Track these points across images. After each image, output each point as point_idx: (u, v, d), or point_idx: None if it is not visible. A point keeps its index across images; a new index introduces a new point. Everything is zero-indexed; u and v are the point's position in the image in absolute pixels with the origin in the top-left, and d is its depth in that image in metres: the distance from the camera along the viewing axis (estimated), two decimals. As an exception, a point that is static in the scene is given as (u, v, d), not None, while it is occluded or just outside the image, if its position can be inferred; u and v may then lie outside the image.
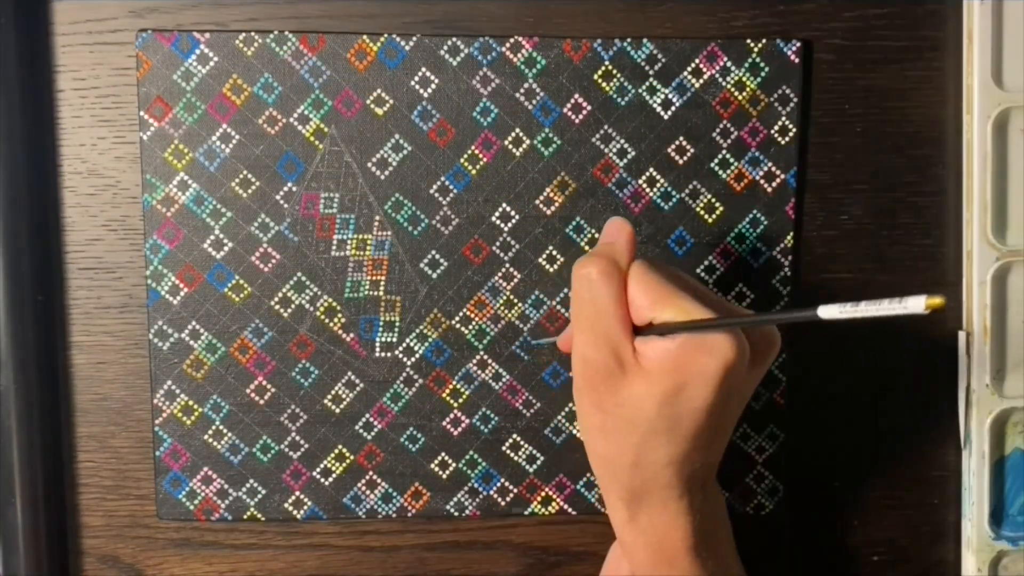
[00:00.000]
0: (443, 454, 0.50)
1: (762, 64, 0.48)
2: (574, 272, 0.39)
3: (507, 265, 0.49)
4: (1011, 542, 0.50)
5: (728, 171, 0.49)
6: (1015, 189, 0.50)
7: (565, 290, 0.49)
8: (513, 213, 0.49)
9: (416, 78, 0.48)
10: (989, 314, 0.49)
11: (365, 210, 0.48)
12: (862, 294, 0.51)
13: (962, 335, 0.50)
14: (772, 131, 0.49)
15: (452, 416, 0.50)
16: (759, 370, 0.40)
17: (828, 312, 0.31)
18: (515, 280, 0.49)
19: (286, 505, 0.50)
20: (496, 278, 0.49)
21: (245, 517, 0.50)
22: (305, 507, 0.50)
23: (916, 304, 0.28)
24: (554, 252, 0.49)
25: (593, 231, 0.49)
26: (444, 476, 0.50)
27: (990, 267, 0.49)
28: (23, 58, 0.46)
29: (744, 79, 0.48)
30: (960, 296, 0.50)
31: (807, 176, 0.50)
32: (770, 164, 0.49)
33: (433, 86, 0.48)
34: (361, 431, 0.49)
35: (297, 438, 0.49)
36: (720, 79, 0.48)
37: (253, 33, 0.47)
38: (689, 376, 0.37)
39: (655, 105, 0.48)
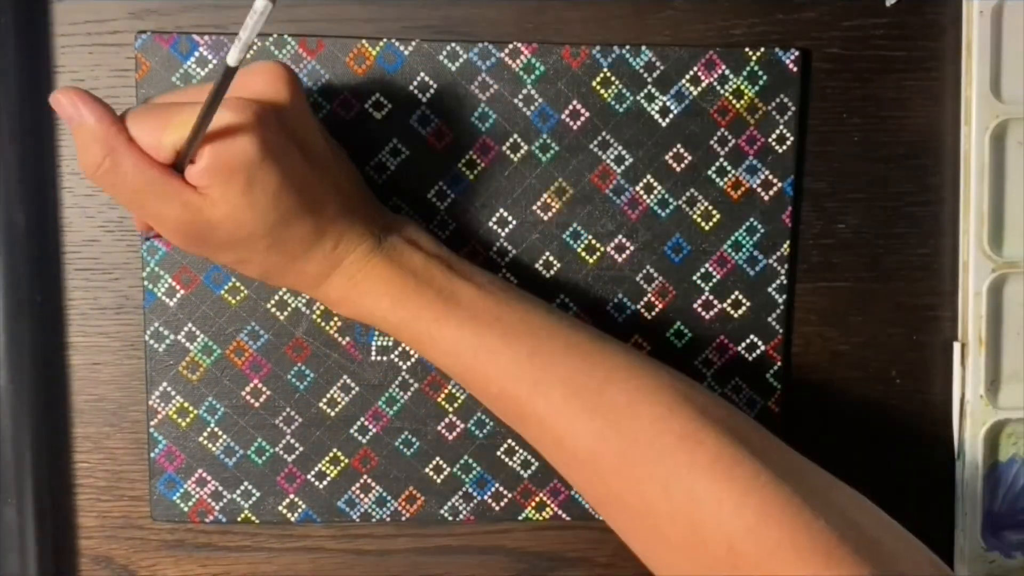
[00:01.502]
0: (437, 458, 0.50)
1: (760, 72, 0.48)
2: (87, 174, 0.38)
3: (504, 270, 0.49)
4: (1004, 553, 0.50)
5: (725, 179, 0.49)
6: (1012, 200, 0.50)
7: (561, 295, 0.49)
8: (510, 218, 0.49)
9: (415, 83, 0.48)
10: (984, 325, 0.49)
11: (362, 214, 0.48)
12: (858, 304, 0.51)
13: (957, 346, 0.50)
14: (770, 139, 0.49)
15: (447, 421, 0.50)
16: (294, 100, 0.40)
17: (233, 56, 0.33)
18: (511, 285, 0.49)
19: (280, 508, 0.50)
20: (492, 283, 0.49)
21: (239, 519, 0.50)
22: (299, 510, 0.50)
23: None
24: (551, 258, 0.49)
25: (590, 237, 0.49)
26: (438, 480, 0.50)
27: (986, 278, 0.49)
28: (23, 58, 0.46)
29: (742, 87, 0.48)
30: (956, 307, 0.50)
31: (804, 185, 0.50)
32: (767, 172, 0.49)
33: (432, 91, 0.48)
34: (356, 435, 0.49)
35: (292, 441, 0.49)
36: (718, 87, 0.48)
37: (252, 36, 0.47)
38: (242, 169, 0.37)
39: (653, 112, 0.48)
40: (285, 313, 0.49)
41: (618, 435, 0.37)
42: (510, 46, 0.48)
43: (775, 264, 0.50)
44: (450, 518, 0.50)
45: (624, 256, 0.49)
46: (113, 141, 0.37)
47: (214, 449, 0.49)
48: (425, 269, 0.42)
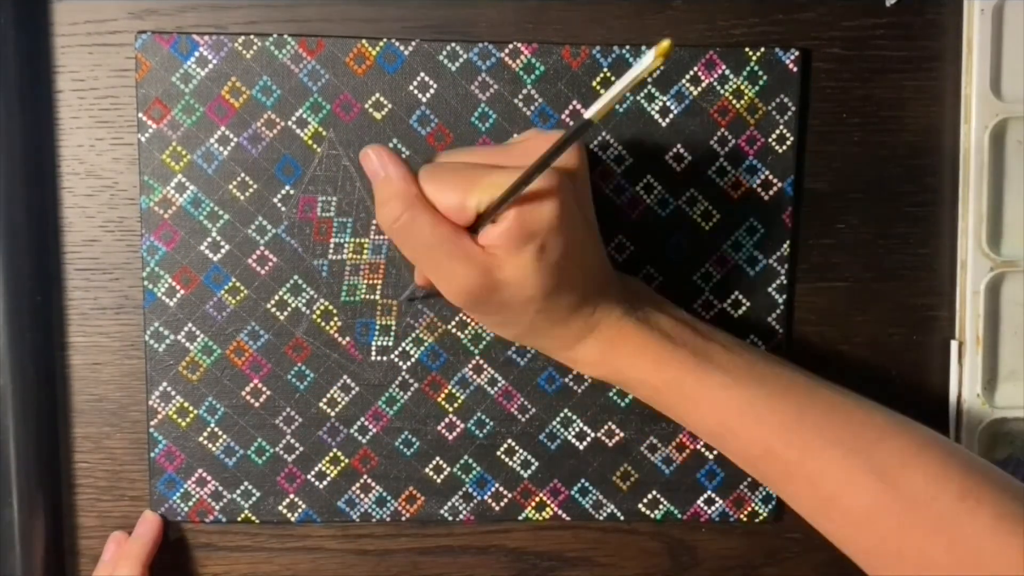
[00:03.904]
0: (438, 458, 0.50)
1: (760, 72, 0.48)
2: (382, 228, 0.40)
3: (504, 270, 0.49)
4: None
5: (725, 179, 0.49)
6: (1011, 199, 0.50)
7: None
8: (510, 218, 0.49)
9: (415, 83, 0.48)
10: (982, 324, 0.49)
11: (362, 214, 0.48)
12: (858, 304, 0.51)
13: (954, 344, 0.50)
14: (770, 139, 0.49)
15: (447, 420, 0.50)
16: (583, 168, 0.41)
17: (592, 110, 0.33)
18: (511, 285, 0.49)
19: (280, 508, 0.50)
20: (492, 283, 0.49)
21: (239, 519, 0.50)
22: (299, 510, 0.50)
23: (648, 57, 0.30)
24: (551, 258, 0.49)
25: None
26: (438, 480, 0.50)
27: (984, 277, 0.49)
28: (23, 58, 0.46)
29: (742, 87, 0.48)
30: (954, 306, 0.50)
31: (804, 185, 0.50)
32: (767, 172, 0.49)
33: (432, 91, 0.48)
34: (356, 435, 0.49)
35: (292, 441, 0.49)
36: (718, 87, 0.48)
37: (252, 36, 0.47)
38: (539, 234, 0.38)
39: (653, 112, 0.48)
40: (285, 313, 0.49)
41: (896, 494, 0.38)
42: (510, 46, 0.48)
43: (775, 264, 0.50)
44: (450, 518, 0.50)
45: (624, 256, 0.49)
46: (413, 199, 0.39)
47: (214, 449, 0.49)
48: (677, 332, 0.42)
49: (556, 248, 0.39)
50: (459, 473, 0.50)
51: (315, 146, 0.48)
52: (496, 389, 0.50)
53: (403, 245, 0.40)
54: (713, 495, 0.51)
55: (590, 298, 0.41)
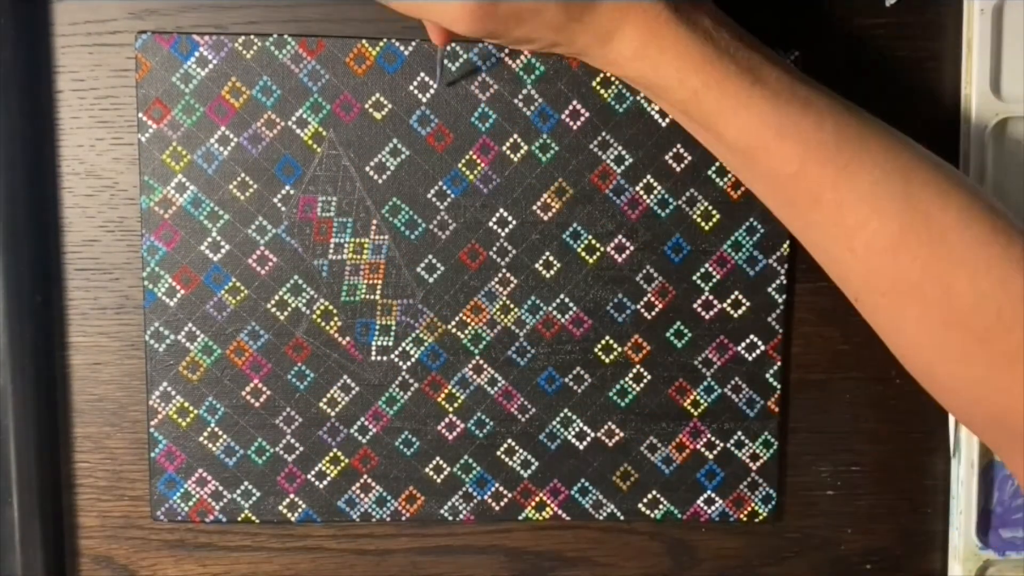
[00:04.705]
0: (438, 458, 0.50)
1: (760, 72, 0.48)
2: None
3: (504, 270, 0.49)
4: (998, 551, 0.50)
5: (725, 179, 0.49)
6: (1013, 199, 0.50)
7: (561, 295, 0.49)
8: (510, 218, 0.49)
9: (415, 83, 0.48)
10: (985, 324, 0.49)
11: (362, 214, 0.48)
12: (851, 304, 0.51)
13: (957, 345, 0.50)
14: (770, 139, 0.49)
15: (447, 420, 0.50)
16: None
17: None
18: (511, 285, 0.49)
19: (280, 508, 0.50)
20: (493, 283, 0.49)
21: (239, 519, 0.50)
22: (299, 510, 0.50)
23: None
24: (551, 258, 0.49)
25: (590, 237, 0.49)
26: (438, 480, 0.50)
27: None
28: (23, 58, 0.46)
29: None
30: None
31: (804, 184, 0.50)
32: (767, 172, 0.49)
33: (432, 91, 0.48)
34: (356, 435, 0.49)
35: (292, 441, 0.49)
36: (718, 87, 0.48)
37: (252, 36, 0.47)
38: None
39: (653, 112, 0.48)
40: (285, 313, 0.49)
41: (926, 223, 0.38)
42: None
43: (775, 264, 0.50)
44: (450, 518, 0.50)
45: (624, 256, 0.49)
46: None
47: (214, 449, 0.49)
48: (720, 34, 0.40)
49: None
50: (459, 473, 0.50)
51: (315, 146, 0.48)
52: (496, 389, 0.50)
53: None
54: (713, 495, 0.51)
55: None
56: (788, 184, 0.40)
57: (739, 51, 0.40)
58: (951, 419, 0.50)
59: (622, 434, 0.50)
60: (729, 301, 0.50)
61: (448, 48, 0.47)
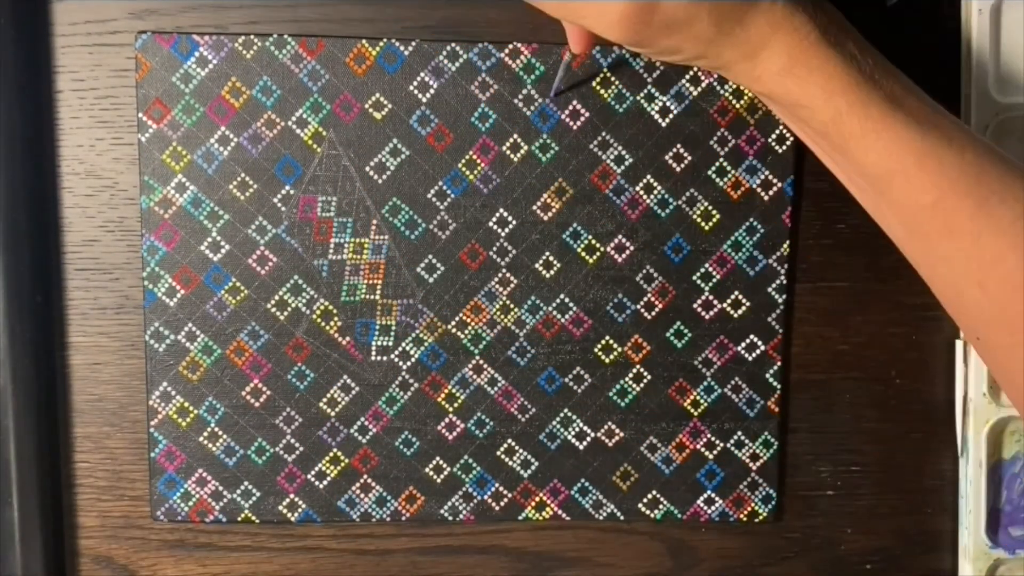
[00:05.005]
0: (438, 458, 0.50)
1: (760, 72, 0.48)
2: None
3: (504, 270, 0.49)
4: (1008, 550, 0.51)
5: (725, 179, 0.49)
6: (1012, 200, 0.50)
7: (561, 295, 0.49)
8: (510, 218, 0.49)
9: (415, 83, 0.48)
10: (985, 324, 0.49)
11: (362, 214, 0.48)
12: (858, 304, 0.51)
13: (959, 344, 0.50)
14: (769, 139, 0.49)
15: (447, 420, 0.50)
16: None
17: None
18: (511, 285, 0.49)
19: (280, 508, 0.50)
20: (493, 283, 0.49)
21: (239, 519, 0.50)
22: (299, 510, 0.50)
23: None
24: (551, 258, 0.49)
25: (590, 237, 0.49)
26: (438, 480, 0.50)
27: (986, 277, 0.49)
28: (23, 59, 0.46)
29: (742, 87, 0.48)
30: (956, 306, 0.50)
31: (804, 184, 0.50)
32: (767, 172, 0.49)
33: (432, 91, 0.48)
34: (356, 434, 0.49)
35: (292, 441, 0.49)
36: (718, 87, 0.48)
37: (252, 36, 0.47)
38: None
39: (653, 112, 0.48)
40: (285, 313, 0.49)
41: None
42: (510, 46, 0.48)
43: (775, 264, 0.50)
44: (450, 518, 0.50)
45: (624, 256, 0.49)
46: None
47: (214, 449, 0.49)
48: (864, 57, 0.39)
49: None
50: (459, 473, 0.50)
51: (315, 146, 0.48)
52: (496, 389, 0.50)
53: None
54: (713, 495, 0.51)
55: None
56: (923, 214, 0.39)
57: (883, 77, 0.39)
58: (957, 419, 0.50)
59: (622, 434, 0.50)
60: (729, 301, 0.50)
61: (450, 47, 0.47)
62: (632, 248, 0.49)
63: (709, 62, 0.40)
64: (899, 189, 0.39)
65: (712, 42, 0.39)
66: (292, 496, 0.50)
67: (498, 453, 0.50)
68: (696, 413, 0.50)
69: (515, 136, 0.48)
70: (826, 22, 0.39)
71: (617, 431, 0.50)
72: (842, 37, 0.39)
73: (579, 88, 0.48)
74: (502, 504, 0.50)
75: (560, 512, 0.51)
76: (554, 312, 0.49)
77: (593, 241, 0.49)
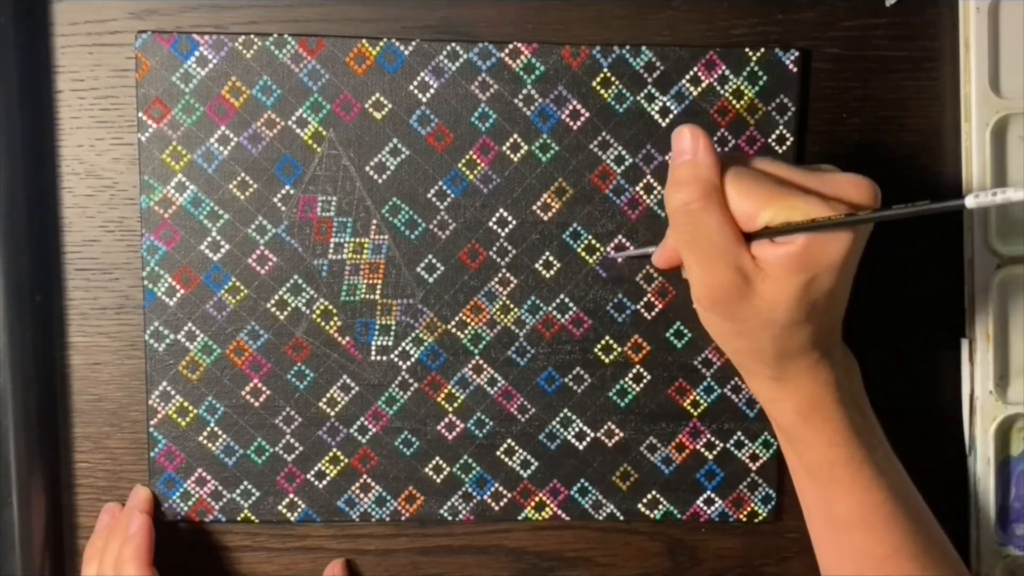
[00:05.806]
0: (437, 458, 0.50)
1: (760, 73, 0.48)
2: (669, 205, 0.39)
3: (504, 270, 0.49)
4: (1018, 547, 0.50)
5: (725, 179, 0.49)
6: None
7: (561, 295, 0.49)
8: (510, 218, 0.49)
9: (415, 83, 0.48)
10: (991, 321, 0.49)
11: (362, 214, 0.48)
12: (859, 303, 0.51)
13: (965, 342, 0.50)
14: (770, 140, 0.49)
15: (447, 420, 0.50)
16: (862, 232, 0.41)
17: (973, 202, 0.32)
18: (511, 285, 0.49)
19: (280, 507, 0.50)
20: (493, 283, 0.49)
21: (239, 519, 0.50)
22: (299, 510, 0.50)
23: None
24: (551, 258, 0.49)
25: (590, 237, 0.49)
26: (438, 480, 0.50)
27: (991, 273, 0.49)
28: (23, 58, 0.47)
29: (742, 87, 0.48)
30: (962, 303, 0.50)
31: (804, 184, 0.50)
32: (767, 172, 0.49)
33: (432, 91, 0.48)
34: (356, 434, 0.49)
35: (292, 441, 0.49)
36: (718, 87, 0.48)
37: (252, 36, 0.47)
38: (817, 269, 0.38)
39: (653, 112, 0.48)
40: (285, 313, 0.49)
41: None
42: (510, 46, 0.48)
43: (775, 264, 0.50)
44: (450, 518, 0.50)
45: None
46: (712, 190, 0.38)
47: (214, 449, 0.49)
48: (863, 416, 0.43)
49: (823, 287, 0.38)
50: (459, 473, 0.50)
51: (315, 146, 0.48)
52: (496, 389, 0.50)
53: (679, 228, 0.40)
54: (713, 495, 0.51)
55: (821, 344, 0.41)
56: (878, 566, 0.43)
57: (871, 433, 0.43)
58: (964, 417, 0.50)
59: (622, 434, 0.50)
60: (729, 301, 0.50)
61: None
62: (632, 248, 0.49)
63: (745, 366, 0.43)
64: (858, 537, 0.43)
65: (757, 355, 0.42)
66: (292, 496, 0.50)
67: (498, 453, 0.50)
68: (696, 413, 0.50)
69: (515, 136, 0.48)
70: (848, 377, 0.43)
71: (617, 431, 0.50)
72: (859, 396, 0.44)
73: (579, 88, 0.48)
74: (502, 504, 0.50)
75: (560, 512, 0.51)
76: (554, 312, 0.49)
77: (593, 241, 0.49)
